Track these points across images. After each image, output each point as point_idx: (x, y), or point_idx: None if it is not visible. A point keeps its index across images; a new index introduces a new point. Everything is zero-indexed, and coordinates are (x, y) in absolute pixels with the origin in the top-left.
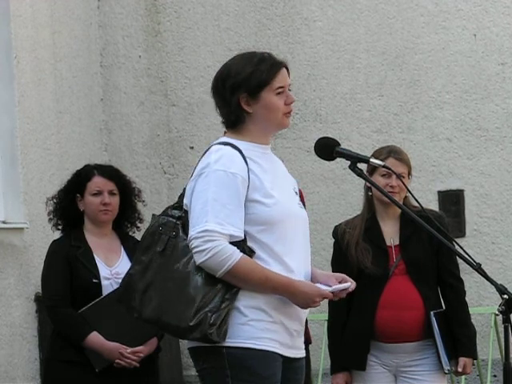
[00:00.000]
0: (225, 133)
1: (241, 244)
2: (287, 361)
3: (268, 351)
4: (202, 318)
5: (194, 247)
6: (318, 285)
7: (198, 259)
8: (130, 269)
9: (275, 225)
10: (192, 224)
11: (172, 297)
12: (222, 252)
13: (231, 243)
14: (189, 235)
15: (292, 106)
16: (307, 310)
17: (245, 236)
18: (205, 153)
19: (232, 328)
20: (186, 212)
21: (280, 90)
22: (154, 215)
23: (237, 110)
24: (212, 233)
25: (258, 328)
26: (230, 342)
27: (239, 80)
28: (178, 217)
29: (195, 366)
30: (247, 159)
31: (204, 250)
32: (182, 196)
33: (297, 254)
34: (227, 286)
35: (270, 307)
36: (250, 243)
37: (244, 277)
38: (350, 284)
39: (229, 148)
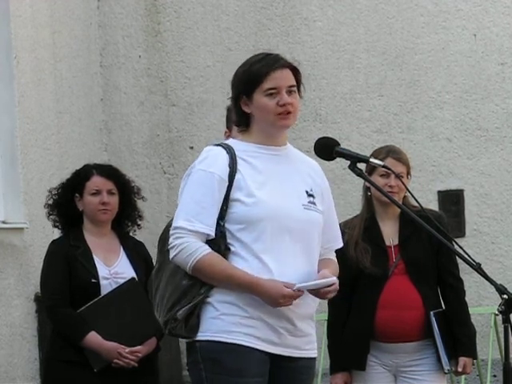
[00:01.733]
0: (225, 133)
1: (218, 241)
2: (281, 359)
3: (240, 345)
4: (171, 313)
5: (168, 244)
6: (298, 285)
7: (170, 256)
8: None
9: (254, 224)
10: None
11: (163, 294)
12: (187, 249)
13: (208, 241)
14: None
15: (289, 107)
16: (303, 311)
17: (225, 233)
18: None
19: (204, 322)
20: None
21: (271, 91)
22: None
23: (237, 110)
24: (181, 230)
25: (228, 322)
26: (201, 335)
27: (234, 81)
28: None
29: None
30: (238, 159)
31: (173, 247)
32: None
33: (281, 254)
34: (202, 281)
35: (245, 303)
36: (230, 240)
37: (207, 273)
38: (317, 282)
39: (218, 148)
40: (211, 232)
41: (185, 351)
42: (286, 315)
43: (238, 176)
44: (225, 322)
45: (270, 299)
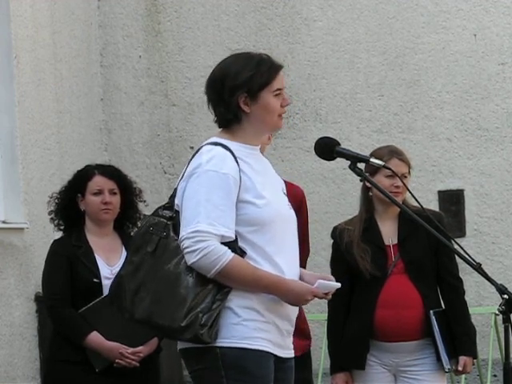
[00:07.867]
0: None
1: (232, 244)
2: (279, 361)
3: (262, 351)
4: (193, 318)
5: (186, 247)
6: (320, 281)
7: (190, 259)
8: (120, 270)
9: (266, 225)
10: (183, 224)
11: (163, 297)
12: (214, 252)
13: (222, 244)
14: (180, 235)
15: (286, 109)
16: (296, 312)
17: (236, 236)
18: (195, 153)
19: (225, 328)
20: (177, 212)
21: (278, 91)
22: (144, 215)
23: (235, 109)
24: (203, 233)
25: (251, 328)
26: (223, 342)
27: (240, 80)
28: (168, 217)
29: (187, 367)
30: (238, 160)
31: (195, 251)
32: (172, 196)
33: (287, 254)
34: (218, 286)
35: (263, 307)
36: (241, 243)
37: (236, 276)
38: (336, 283)
39: (220, 148)
40: (233, 235)
41: None
42: (290, 317)
43: (243, 177)
44: (248, 329)
45: (298, 297)
